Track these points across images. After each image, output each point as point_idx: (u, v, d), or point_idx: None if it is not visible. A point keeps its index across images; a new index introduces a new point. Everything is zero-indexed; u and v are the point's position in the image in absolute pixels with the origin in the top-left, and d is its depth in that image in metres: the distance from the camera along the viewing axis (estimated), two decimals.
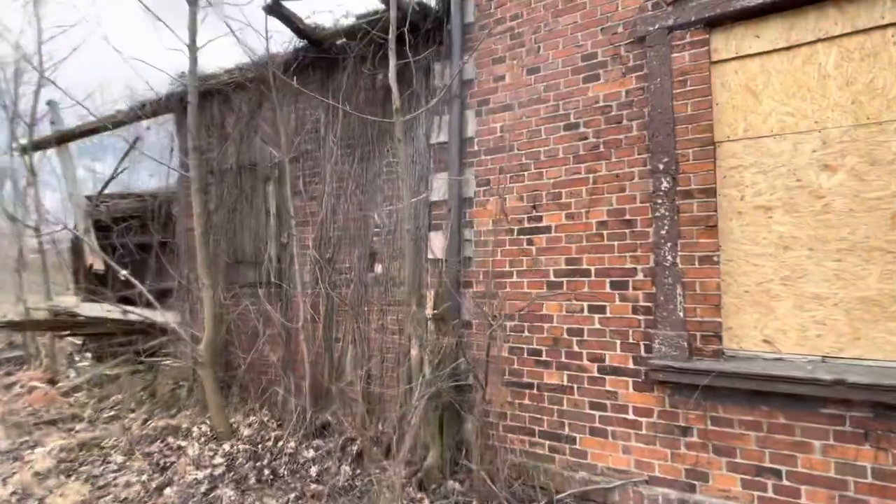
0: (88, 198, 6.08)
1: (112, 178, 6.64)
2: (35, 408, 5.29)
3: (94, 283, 5.59)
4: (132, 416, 5.08)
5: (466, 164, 3.74)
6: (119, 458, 3.97)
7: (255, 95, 4.74)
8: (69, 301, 6.18)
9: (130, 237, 6.20)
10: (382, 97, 4.08)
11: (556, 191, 3.35)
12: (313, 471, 3.65)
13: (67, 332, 5.86)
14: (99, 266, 5.80)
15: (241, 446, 4.04)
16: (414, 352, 3.43)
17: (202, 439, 4.22)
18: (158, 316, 4.89)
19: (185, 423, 4.60)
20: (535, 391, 3.32)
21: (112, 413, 5.14)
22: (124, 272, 4.16)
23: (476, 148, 3.72)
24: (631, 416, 2.98)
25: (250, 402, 4.63)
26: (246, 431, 4.21)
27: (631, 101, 3.14)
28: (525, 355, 3.38)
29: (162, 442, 4.29)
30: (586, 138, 3.28)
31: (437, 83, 3.95)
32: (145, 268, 6.67)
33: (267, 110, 4.76)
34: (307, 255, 4.43)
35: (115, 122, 5.65)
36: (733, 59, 2.93)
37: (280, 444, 4.02)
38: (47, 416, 4.97)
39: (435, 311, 3.75)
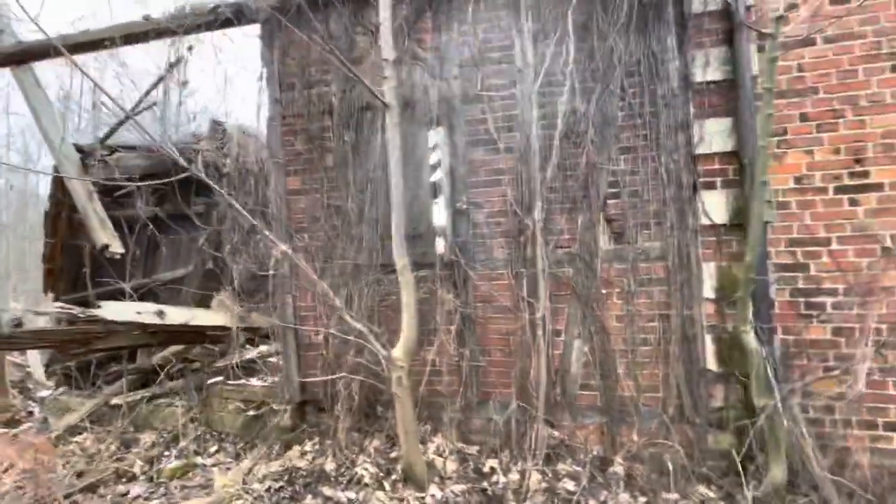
0: (81, 150, 4.00)
1: (125, 119, 4.40)
2: (30, 468, 3.37)
3: (103, 273, 3.70)
4: (207, 462, 3.53)
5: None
6: None
7: (408, 6, 3.45)
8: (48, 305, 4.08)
9: (140, 206, 4.30)
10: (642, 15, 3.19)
11: (888, 141, 2.85)
12: None
13: (85, 349, 3.85)
14: (117, 248, 3.86)
15: (455, 488, 2.92)
16: (753, 343, 2.67)
17: (385, 486, 2.98)
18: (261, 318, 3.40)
19: (326, 463, 3.25)
20: (874, 377, 2.82)
21: (176, 463, 3.49)
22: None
23: (761, 89, 3.06)
24: None
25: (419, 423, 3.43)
26: (449, 465, 3.07)
27: None
28: (857, 336, 2.85)
29: (315, 497, 2.95)
30: None
31: (694, 8, 3.18)
32: (159, 250, 4.81)
33: (424, 31, 3.51)
34: (503, 224, 3.37)
35: (138, 33, 3.80)
36: None
37: (511, 476, 2.98)
38: (73, 480, 3.17)
39: (719, 291, 3.05)
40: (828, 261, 2.91)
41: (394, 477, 3.04)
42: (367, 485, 3.01)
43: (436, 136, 3.49)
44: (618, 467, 3.01)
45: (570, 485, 2.90)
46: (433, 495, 2.88)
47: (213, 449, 3.77)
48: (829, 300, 2.91)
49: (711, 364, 3.04)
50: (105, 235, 3.88)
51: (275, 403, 3.80)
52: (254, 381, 4.17)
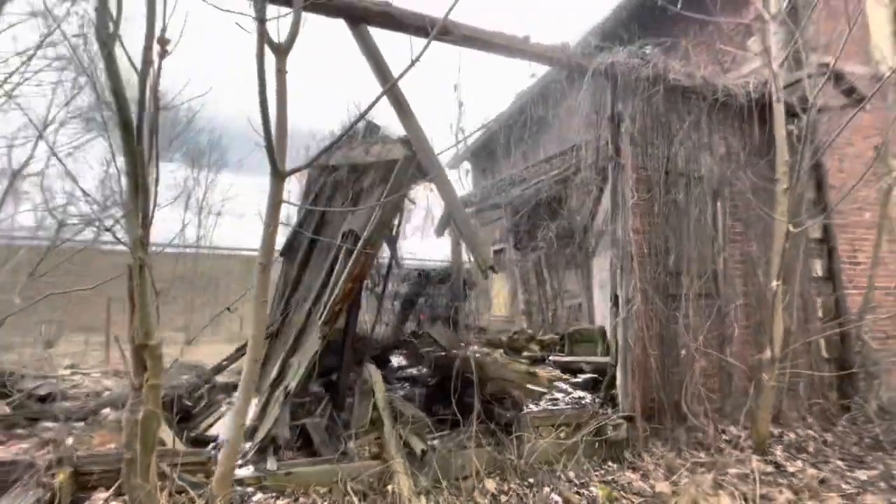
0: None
1: None
2: None
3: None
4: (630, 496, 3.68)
5: None
6: None
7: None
8: None
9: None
10: None
11: None
12: None
13: None
14: (495, 267, 2.97)
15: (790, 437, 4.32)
16: None
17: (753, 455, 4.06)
18: None
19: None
20: None
21: (599, 492, 3.47)
22: None
23: None
24: None
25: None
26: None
27: None
28: None
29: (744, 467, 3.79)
30: None
31: None
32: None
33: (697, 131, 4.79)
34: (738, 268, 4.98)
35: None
36: None
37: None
38: None
39: None
40: None
41: (748, 451, 4.17)
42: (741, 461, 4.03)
43: (718, 204, 4.81)
44: None
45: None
46: (777, 454, 4.20)
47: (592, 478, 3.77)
48: None
49: None
50: (488, 253, 3.11)
51: (606, 421, 4.13)
52: (548, 405, 4.24)
